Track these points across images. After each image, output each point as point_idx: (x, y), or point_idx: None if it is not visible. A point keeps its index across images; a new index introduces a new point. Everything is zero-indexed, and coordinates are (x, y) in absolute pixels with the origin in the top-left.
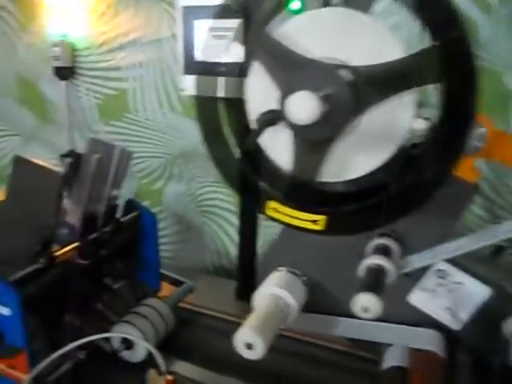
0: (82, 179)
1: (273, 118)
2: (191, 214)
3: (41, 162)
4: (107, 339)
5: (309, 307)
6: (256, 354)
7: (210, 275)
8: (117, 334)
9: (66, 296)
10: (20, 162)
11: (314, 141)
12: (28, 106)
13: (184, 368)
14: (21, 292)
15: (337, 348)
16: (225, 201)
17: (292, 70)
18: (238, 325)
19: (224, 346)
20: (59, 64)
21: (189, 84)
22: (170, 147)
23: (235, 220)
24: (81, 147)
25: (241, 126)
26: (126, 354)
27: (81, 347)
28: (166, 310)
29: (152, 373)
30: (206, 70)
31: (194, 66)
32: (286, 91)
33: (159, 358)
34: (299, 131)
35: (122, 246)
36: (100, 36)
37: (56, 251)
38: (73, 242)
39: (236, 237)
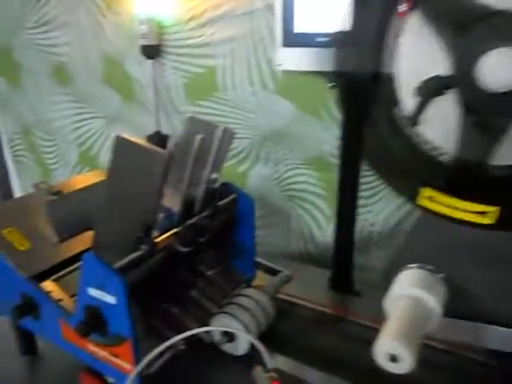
0: (183, 161)
1: (442, 84)
2: (276, 198)
3: (144, 143)
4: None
5: (448, 312)
6: (402, 367)
7: (294, 262)
8: (224, 327)
9: (165, 284)
10: (121, 143)
11: (498, 113)
12: (113, 86)
13: (284, 363)
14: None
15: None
16: (313, 184)
17: (473, 26)
18: (335, 318)
19: (324, 341)
20: (146, 42)
21: (286, 58)
22: (260, 128)
23: (323, 205)
24: (166, 128)
25: (387, 102)
26: (226, 347)
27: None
28: (266, 301)
29: (258, 369)
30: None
31: (294, 39)
32: (471, 51)
33: (265, 354)
34: (479, 102)
35: (218, 232)
36: (188, 11)
37: (157, 237)
38: (171, 228)
39: (324, 223)
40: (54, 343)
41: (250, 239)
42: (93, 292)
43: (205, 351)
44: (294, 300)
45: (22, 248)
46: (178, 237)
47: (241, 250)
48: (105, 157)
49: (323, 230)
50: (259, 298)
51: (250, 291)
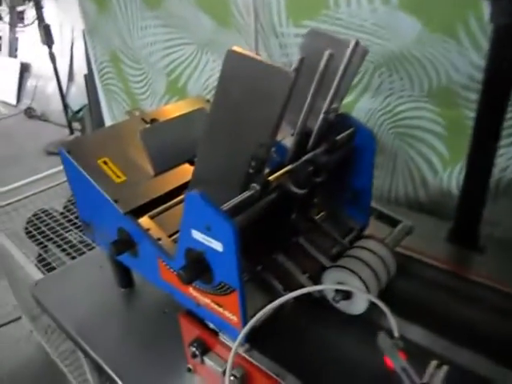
0: (302, 83)
1: None
2: (383, 135)
3: (264, 59)
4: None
5: None
6: None
7: (400, 208)
8: (341, 283)
9: (273, 230)
10: (235, 58)
11: None
12: (207, 8)
13: (405, 329)
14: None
15: None
16: (432, 121)
17: None
18: (458, 277)
19: (449, 306)
20: None
21: None
22: (375, 52)
23: (441, 146)
24: (263, 54)
25: None
26: (341, 304)
27: (288, 290)
28: (388, 256)
29: (382, 336)
30: None
31: None
32: None
33: (392, 319)
34: None
35: (334, 171)
36: None
37: (269, 175)
38: (282, 166)
39: (440, 167)
40: (152, 282)
41: (367, 180)
42: (197, 235)
43: (314, 306)
44: (408, 253)
45: (119, 180)
46: (292, 176)
47: (356, 193)
48: (193, 87)
49: (438, 175)
50: (381, 252)
51: (369, 243)
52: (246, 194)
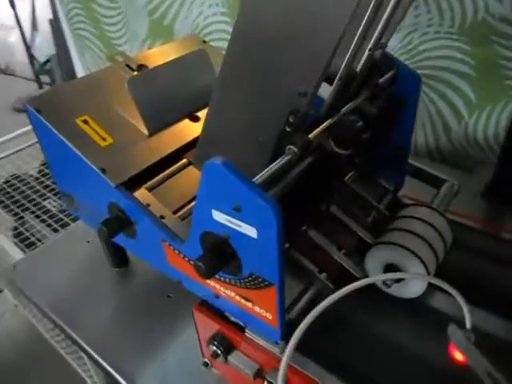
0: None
1: None
2: None
3: None
4: (360, 262)
5: None
6: None
7: (417, 158)
8: (395, 264)
9: (306, 199)
10: None
11: None
12: None
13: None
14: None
15: None
16: (460, 61)
17: None
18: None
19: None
20: None
21: None
22: None
23: (468, 89)
24: None
25: None
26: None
27: (324, 271)
28: (444, 227)
29: (453, 328)
30: None
31: None
32: None
33: (466, 306)
34: None
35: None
36: None
37: (307, 133)
38: (319, 121)
39: (465, 112)
40: (157, 268)
41: (408, 132)
42: (218, 216)
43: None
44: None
45: (104, 144)
46: (334, 133)
47: (397, 148)
48: (181, 28)
49: (463, 121)
50: (436, 222)
51: (420, 211)
52: (283, 159)
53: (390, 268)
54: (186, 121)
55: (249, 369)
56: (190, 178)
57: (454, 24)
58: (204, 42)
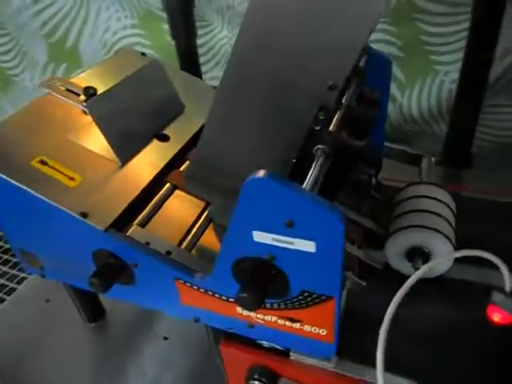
0: None
1: None
2: None
3: None
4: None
5: None
6: None
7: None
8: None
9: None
10: None
11: None
12: None
13: None
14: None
15: None
16: (387, 43)
17: None
18: None
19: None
20: None
21: None
22: None
23: (397, 71)
24: None
25: None
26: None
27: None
28: (449, 199)
29: (497, 295)
30: None
31: None
32: None
33: (505, 270)
34: None
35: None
36: None
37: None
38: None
39: (398, 93)
40: (166, 312)
41: (384, 116)
42: (261, 237)
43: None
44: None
45: (74, 184)
46: (347, 124)
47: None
48: (87, 47)
49: (397, 102)
50: (442, 196)
51: (423, 189)
52: (317, 162)
53: (413, 251)
54: (155, 141)
55: None
56: (180, 203)
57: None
58: (143, 54)
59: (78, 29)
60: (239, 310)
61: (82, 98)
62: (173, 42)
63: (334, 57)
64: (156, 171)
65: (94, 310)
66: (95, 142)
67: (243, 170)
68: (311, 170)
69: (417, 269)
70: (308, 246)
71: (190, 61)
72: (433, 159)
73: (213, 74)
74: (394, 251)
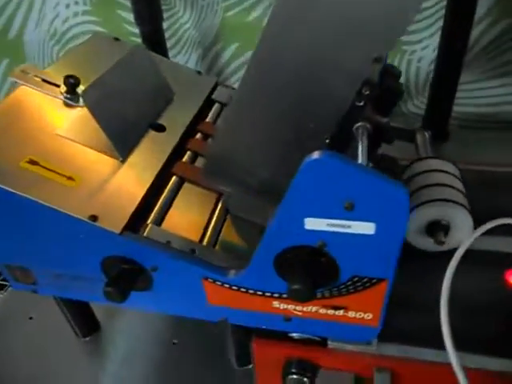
0: None
1: None
2: None
3: None
4: None
5: None
6: None
7: None
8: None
9: None
10: None
11: None
12: None
13: None
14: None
15: None
16: None
17: None
18: None
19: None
20: None
21: None
22: None
23: None
24: None
25: None
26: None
27: None
28: (457, 172)
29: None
30: None
31: None
32: None
33: None
34: None
35: None
36: None
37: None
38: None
39: None
40: (189, 315)
41: None
42: (314, 224)
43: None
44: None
45: (73, 184)
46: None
47: None
48: (33, 37)
49: None
50: (451, 169)
51: (431, 163)
52: (363, 142)
53: (433, 226)
54: (152, 132)
55: (346, 381)
56: (191, 196)
57: None
58: (116, 39)
59: (21, 18)
60: (276, 303)
61: (63, 88)
62: (131, 29)
63: (382, 28)
64: (160, 164)
65: (87, 324)
66: (88, 136)
67: (264, 162)
68: (359, 146)
69: (440, 242)
70: (367, 229)
71: (157, 47)
72: (426, 132)
73: (178, 59)
74: (414, 227)
